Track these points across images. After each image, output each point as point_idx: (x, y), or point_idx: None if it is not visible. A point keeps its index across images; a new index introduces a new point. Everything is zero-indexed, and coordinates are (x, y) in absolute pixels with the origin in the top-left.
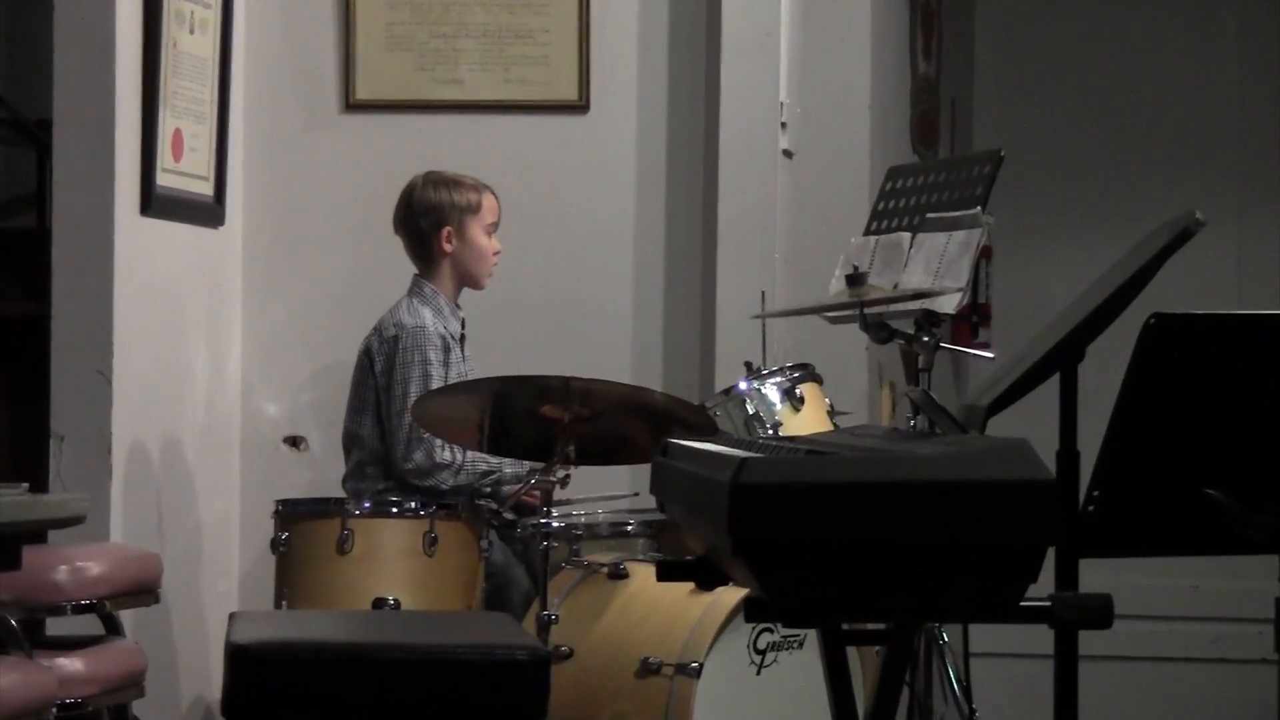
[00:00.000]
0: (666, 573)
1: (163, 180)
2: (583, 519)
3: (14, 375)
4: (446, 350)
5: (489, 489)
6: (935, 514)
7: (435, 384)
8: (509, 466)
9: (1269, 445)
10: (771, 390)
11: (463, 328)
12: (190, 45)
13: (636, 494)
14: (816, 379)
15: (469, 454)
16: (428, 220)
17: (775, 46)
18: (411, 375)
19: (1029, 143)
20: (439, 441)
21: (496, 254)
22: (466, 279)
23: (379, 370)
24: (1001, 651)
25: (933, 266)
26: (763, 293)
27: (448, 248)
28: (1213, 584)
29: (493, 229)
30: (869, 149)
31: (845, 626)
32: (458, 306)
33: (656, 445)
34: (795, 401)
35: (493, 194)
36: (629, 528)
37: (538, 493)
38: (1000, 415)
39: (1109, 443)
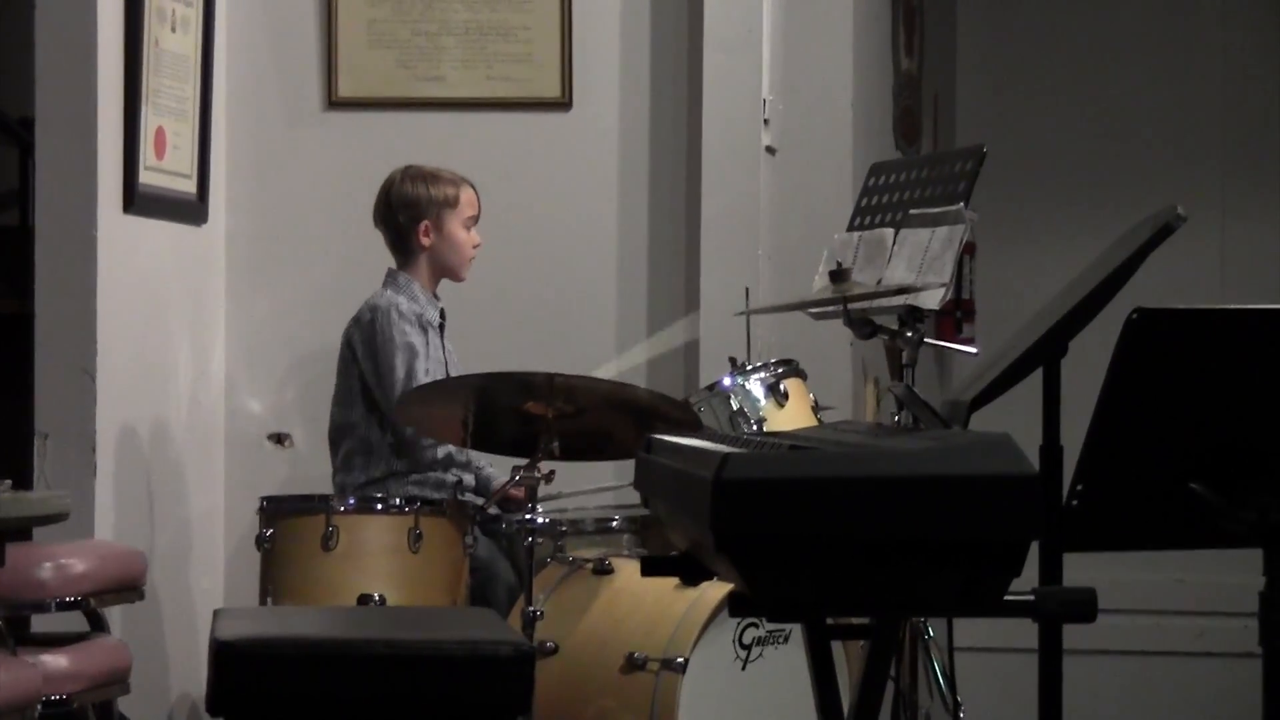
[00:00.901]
0: (651, 568)
1: (145, 178)
2: (568, 515)
3: None
4: (423, 330)
5: (473, 483)
6: (919, 509)
7: (419, 350)
8: (487, 467)
9: (1252, 439)
10: (756, 386)
11: (442, 317)
12: (172, 43)
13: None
14: (800, 375)
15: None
16: (406, 214)
17: (757, 43)
18: (396, 346)
19: (1012, 139)
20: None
21: (476, 247)
22: (445, 271)
23: (361, 355)
24: (986, 646)
25: (916, 262)
26: (746, 289)
27: (426, 241)
28: (1197, 578)
29: (472, 222)
30: (852, 145)
31: (830, 621)
32: (436, 297)
33: (640, 441)
34: (779, 397)
35: (471, 187)
36: (614, 523)
37: (522, 488)
38: (984, 410)
39: (1092, 437)
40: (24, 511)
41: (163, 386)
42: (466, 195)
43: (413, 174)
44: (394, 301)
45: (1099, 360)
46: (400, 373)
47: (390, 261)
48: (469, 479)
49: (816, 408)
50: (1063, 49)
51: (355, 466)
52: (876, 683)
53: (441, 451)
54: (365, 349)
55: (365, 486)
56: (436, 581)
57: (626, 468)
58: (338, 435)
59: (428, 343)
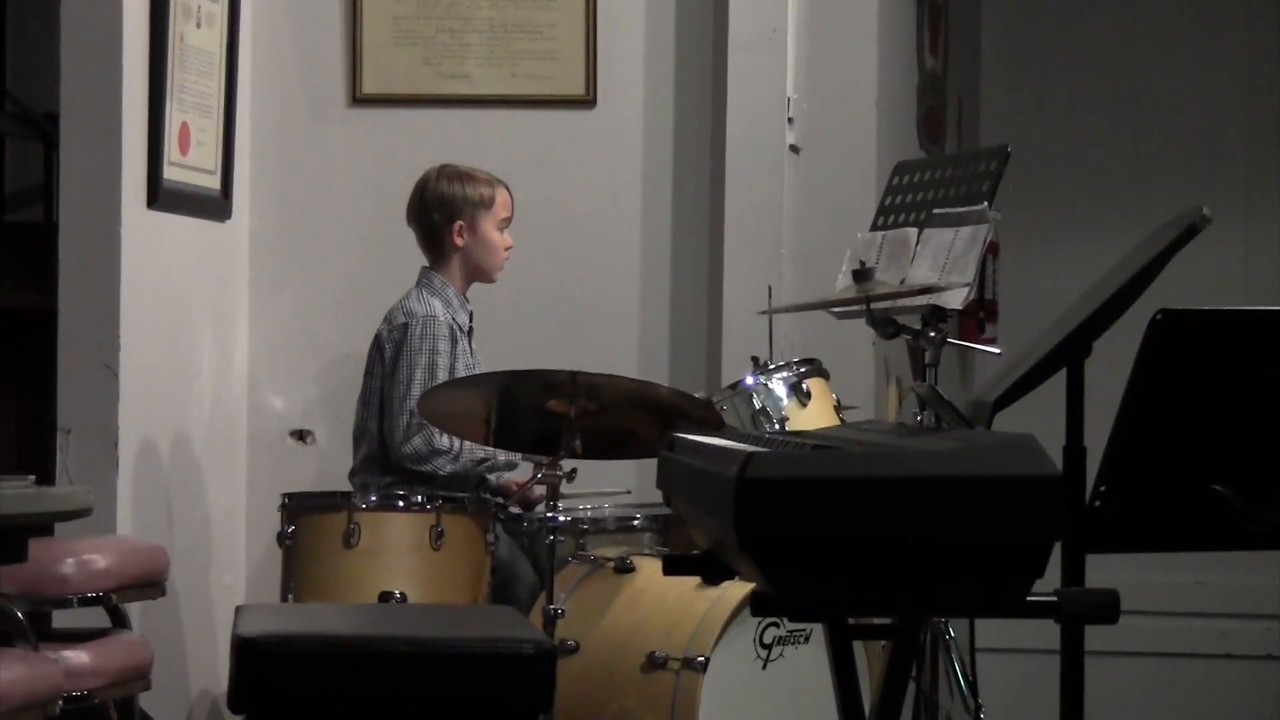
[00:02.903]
0: (673, 567)
1: (169, 174)
2: (589, 513)
3: (21, 368)
4: (454, 341)
5: (493, 484)
6: (942, 509)
7: (440, 374)
8: (502, 454)
9: (1275, 441)
10: (778, 385)
11: (471, 321)
12: (197, 39)
13: (629, 491)
14: (823, 374)
15: (465, 441)
16: (440, 213)
17: (782, 42)
18: (418, 363)
19: (1036, 138)
20: (436, 429)
21: (508, 250)
22: (477, 273)
23: (387, 357)
24: (1008, 647)
25: (940, 262)
26: (769, 288)
27: (459, 242)
28: (1219, 580)
29: (505, 224)
30: (876, 145)
31: (851, 621)
32: (466, 300)
33: (662, 440)
34: (802, 396)
35: (506, 189)
36: (635, 522)
37: (537, 486)
38: (1007, 411)
39: (1116, 438)
40: (46, 507)
41: (185, 383)
42: (501, 197)
43: (449, 173)
44: (433, 312)
45: (1123, 361)
46: (416, 388)
47: (416, 259)
48: (490, 478)
49: (839, 407)
50: (1087, 49)
51: (374, 469)
52: (898, 683)
53: (449, 469)
54: (393, 350)
55: (384, 486)
56: (458, 579)
57: (648, 467)
58: (359, 436)
59: (455, 354)
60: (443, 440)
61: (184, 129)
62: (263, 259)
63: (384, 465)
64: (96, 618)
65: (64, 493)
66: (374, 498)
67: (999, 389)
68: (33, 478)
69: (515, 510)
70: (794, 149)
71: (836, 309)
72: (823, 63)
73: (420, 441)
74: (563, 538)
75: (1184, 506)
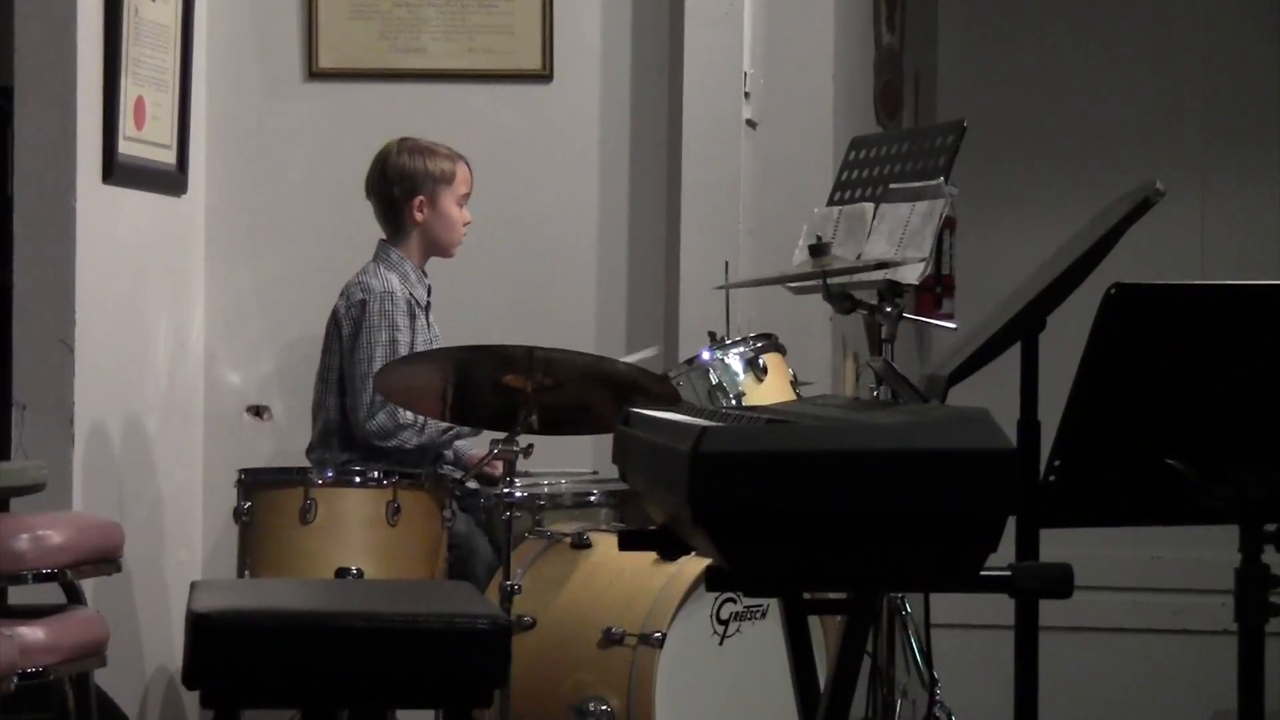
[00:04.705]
0: (629, 542)
1: (125, 148)
2: (546, 489)
3: None
4: (412, 316)
5: (452, 457)
6: (896, 483)
7: (401, 349)
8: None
9: (1230, 415)
10: (735, 360)
11: (429, 295)
12: (152, 13)
13: (595, 471)
14: (780, 349)
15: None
16: (400, 188)
17: (739, 16)
18: (378, 340)
19: (992, 113)
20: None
21: (467, 225)
22: (435, 248)
23: (345, 334)
24: (963, 622)
25: (896, 237)
26: (726, 263)
27: (419, 216)
28: (1174, 555)
29: (464, 200)
30: (833, 119)
31: (806, 595)
32: (424, 274)
33: (619, 415)
34: (759, 372)
35: (466, 164)
36: (592, 498)
37: (499, 462)
38: (962, 385)
39: (1070, 413)
40: (1, 482)
41: (141, 358)
42: (462, 172)
43: (410, 147)
44: (390, 288)
45: (1077, 336)
46: (377, 365)
47: (374, 233)
48: (448, 453)
49: (796, 382)
50: (1044, 24)
51: (332, 445)
52: (853, 658)
53: (415, 441)
54: (351, 327)
55: (341, 463)
56: (414, 555)
57: (605, 442)
58: (317, 411)
59: (415, 329)
60: (406, 415)
61: (139, 103)
62: (219, 234)
63: (342, 441)
64: (52, 594)
65: (18, 468)
66: (330, 473)
67: (953, 363)
68: None
69: (472, 486)
70: (751, 124)
71: (793, 284)
72: (779, 38)
73: (385, 417)
74: (519, 513)
75: (1138, 481)
